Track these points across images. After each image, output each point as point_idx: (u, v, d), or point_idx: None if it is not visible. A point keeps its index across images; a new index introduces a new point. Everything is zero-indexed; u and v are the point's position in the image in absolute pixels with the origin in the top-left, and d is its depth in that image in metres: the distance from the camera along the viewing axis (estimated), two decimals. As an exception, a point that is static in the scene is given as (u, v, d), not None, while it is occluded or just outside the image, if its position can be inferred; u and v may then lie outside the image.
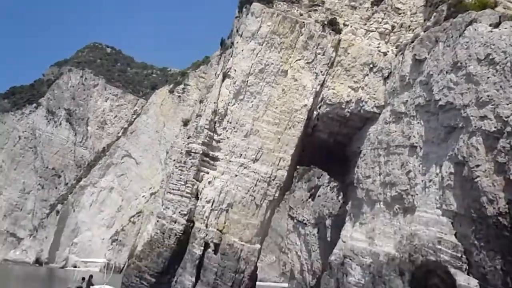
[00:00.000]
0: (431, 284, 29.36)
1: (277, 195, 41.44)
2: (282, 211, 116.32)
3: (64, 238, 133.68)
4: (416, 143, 34.02)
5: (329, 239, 61.62)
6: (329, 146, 45.66)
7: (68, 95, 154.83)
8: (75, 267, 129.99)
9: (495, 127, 26.18)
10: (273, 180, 41.21)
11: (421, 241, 30.06)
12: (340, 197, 62.89)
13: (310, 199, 71.46)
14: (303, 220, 70.56)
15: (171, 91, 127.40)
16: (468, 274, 27.46)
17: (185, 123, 44.85)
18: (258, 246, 40.95)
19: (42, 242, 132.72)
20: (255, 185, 41.08)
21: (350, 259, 37.15)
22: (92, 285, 25.47)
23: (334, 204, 63.46)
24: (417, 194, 32.82)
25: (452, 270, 27.31)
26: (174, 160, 42.55)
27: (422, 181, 32.67)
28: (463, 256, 27.90)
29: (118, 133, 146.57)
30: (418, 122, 34.29)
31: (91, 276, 26.46)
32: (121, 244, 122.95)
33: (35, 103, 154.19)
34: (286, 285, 78.15)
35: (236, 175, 41.54)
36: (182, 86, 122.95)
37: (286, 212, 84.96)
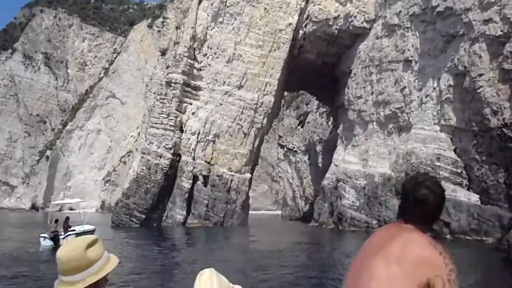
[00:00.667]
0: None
1: (265, 122, 39.05)
2: (272, 140, 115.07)
3: (57, 183, 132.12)
4: (411, 56, 31.39)
5: (320, 165, 60.24)
6: (317, 68, 42.80)
7: (44, 38, 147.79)
8: (71, 209, 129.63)
9: (501, 31, 23.57)
10: (260, 106, 38.66)
11: (418, 158, 28.19)
12: (330, 122, 60.95)
13: (299, 126, 69.44)
14: (293, 147, 68.89)
15: (150, 26, 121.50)
16: (468, 189, 25.87)
17: (163, 52, 41.43)
18: (248, 175, 39.08)
19: (36, 188, 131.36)
20: (241, 113, 38.56)
21: (344, 182, 35.49)
22: (70, 227, 23.54)
23: (324, 129, 61.56)
24: (412, 111, 30.64)
25: (451, 186, 25.64)
26: (154, 93, 39.62)
27: (418, 97, 30.39)
28: (463, 171, 26.17)
29: (100, 73, 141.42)
30: (413, 34, 31.46)
31: (67, 218, 24.45)
32: (114, 184, 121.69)
33: (10, 48, 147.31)
34: (279, 212, 78.11)
35: (220, 104, 38.89)
36: (161, 19, 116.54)
37: (276, 141, 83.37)
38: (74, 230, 22.80)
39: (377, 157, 33.62)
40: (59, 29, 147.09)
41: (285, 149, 71.95)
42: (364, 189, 33.23)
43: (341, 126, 41.88)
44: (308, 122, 67.66)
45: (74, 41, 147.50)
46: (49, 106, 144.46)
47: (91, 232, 22.08)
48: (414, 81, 30.89)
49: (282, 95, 43.75)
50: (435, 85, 28.79)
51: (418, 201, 1.95)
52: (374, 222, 30.34)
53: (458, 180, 25.70)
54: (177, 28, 40.88)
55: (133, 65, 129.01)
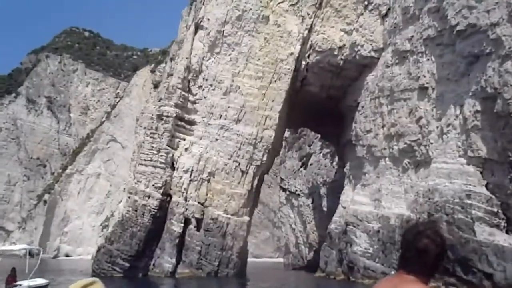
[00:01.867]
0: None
1: (264, 159, 34.76)
2: (274, 185, 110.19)
3: (54, 228, 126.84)
4: (427, 83, 27.45)
5: (325, 208, 55.50)
6: (321, 102, 38.94)
7: (48, 82, 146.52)
8: (67, 256, 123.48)
9: (537, 43, 19.71)
10: (259, 142, 34.49)
11: (443, 196, 23.66)
12: (334, 163, 56.71)
13: (302, 168, 65.00)
14: (296, 190, 64.21)
15: (152, 71, 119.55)
16: (507, 232, 21.27)
17: (156, 85, 37.85)
18: (246, 218, 34.38)
19: (32, 233, 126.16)
20: (239, 149, 34.37)
21: (354, 226, 30.77)
22: (15, 280, 19.04)
23: (328, 171, 57.22)
24: (431, 143, 26.37)
25: (488, 229, 21.06)
26: (144, 128, 35.64)
27: (438, 127, 26.21)
28: (499, 211, 21.64)
29: (102, 118, 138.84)
30: (428, 59, 27.65)
31: (13, 270, 19.97)
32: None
33: (14, 92, 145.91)
34: (281, 259, 72.39)
35: (216, 139, 34.77)
36: (163, 65, 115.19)
37: (278, 186, 78.56)
38: (19, 285, 18.23)
39: (392, 196, 29.08)
40: (64, 73, 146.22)
41: (287, 192, 67.31)
42: (378, 233, 28.47)
43: (348, 164, 37.54)
44: (311, 164, 63.36)
45: (77, 86, 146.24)
46: (50, 149, 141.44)
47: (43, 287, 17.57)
48: (432, 110, 26.81)
49: (283, 131, 39.68)
50: (458, 112, 24.68)
51: (420, 252, 1.91)
52: (392, 272, 25.47)
53: (495, 221, 21.11)
54: (171, 59, 37.47)
55: (135, 109, 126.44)
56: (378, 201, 30.14)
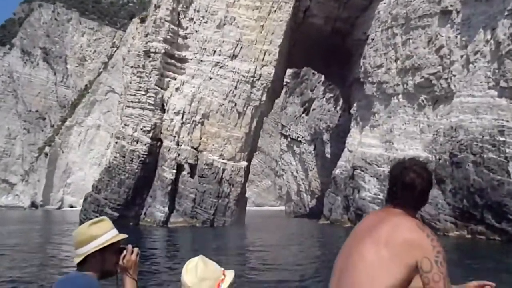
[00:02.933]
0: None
1: (263, 99, 30.96)
2: (275, 134, 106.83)
3: (56, 180, 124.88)
4: (451, 5, 23.27)
5: (328, 155, 52.31)
6: (325, 37, 34.71)
7: (42, 33, 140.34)
8: (71, 207, 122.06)
9: None
10: (258, 80, 30.59)
11: (469, 134, 20.10)
12: (338, 107, 53.00)
13: (304, 114, 61.27)
14: (298, 137, 60.83)
15: (142, 20, 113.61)
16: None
17: (142, 19, 33.48)
18: (244, 163, 31.00)
19: (35, 185, 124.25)
20: (235, 88, 30.54)
21: (362, 170, 27.42)
22: None
23: (332, 116, 53.56)
24: (454, 76, 22.53)
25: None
26: (131, 67, 31.66)
27: (462, 56, 22.28)
28: (537, 148, 18.16)
29: (99, 68, 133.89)
30: (452, -24, 23.37)
31: None
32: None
33: (8, 44, 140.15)
34: (283, 208, 70.00)
35: (210, 78, 30.89)
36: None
37: (279, 133, 75.07)
38: None
39: (405, 137, 25.53)
40: (58, 23, 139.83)
41: (289, 139, 63.95)
42: (390, 177, 25.19)
43: (355, 105, 33.80)
44: (313, 109, 59.61)
45: (73, 36, 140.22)
46: (48, 102, 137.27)
47: None
48: (456, 37, 22.77)
49: (284, 69, 35.60)
50: (488, 37, 20.71)
51: (406, 186, 1.92)
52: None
53: (535, 160, 17.69)
54: (159, -11, 32.88)
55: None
56: (390, 142, 26.61)
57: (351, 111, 34.13)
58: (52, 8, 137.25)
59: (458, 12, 22.93)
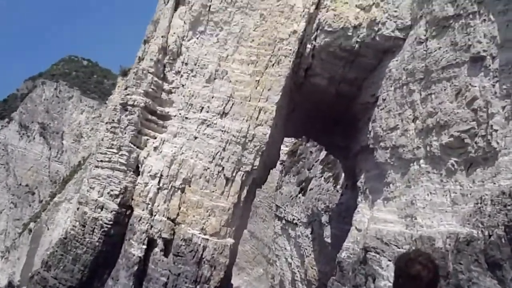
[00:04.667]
0: None
1: (256, 163, 25.51)
2: (269, 219, 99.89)
3: (37, 259, 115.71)
4: (484, 51, 18.83)
5: (327, 239, 45.91)
6: (328, 102, 30.18)
7: (42, 109, 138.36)
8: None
9: None
10: (250, 141, 25.38)
11: (529, 202, 14.60)
12: (338, 186, 47.59)
13: (300, 195, 55.59)
14: (293, 219, 54.53)
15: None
16: None
17: (124, 73, 29.10)
18: (230, 240, 24.70)
19: (15, 263, 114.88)
20: (224, 150, 25.24)
21: (377, 253, 21.35)
22: None
23: (331, 195, 47.90)
24: (496, 130, 17.50)
25: None
26: (106, 123, 26.68)
27: (504, 107, 17.45)
28: None
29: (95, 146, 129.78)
30: (485, 20, 19.18)
31: None
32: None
33: (7, 118, 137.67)
34: (275, 299, 61.70)
35: (195, 138, 25.72)
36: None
37: (273, 219, 68.53)
38: None
39: (431, 210, 19.80)
40: (59, 100, 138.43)
41: (284, 221, 57.60)
42: (415, 262, 19.17)
43: (362, 176, 28.40)
44: (310, 189, 54.06)
45: (72, 113, 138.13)
46: (40, 176, 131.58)
47: None
48: (493, 86, 18.05)
49: (282, 135, 30.55)
50: (539, 82, 15.99)
51: (412, 278, 1.88)
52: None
53: None
54: (145, 42, 28.88)
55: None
56: (411, 217, 20.83)
57: (358, 183, 28.63)
58: (55, 85, 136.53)
59: (493, 58, 18.35)
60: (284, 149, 64.50)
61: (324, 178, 51.91)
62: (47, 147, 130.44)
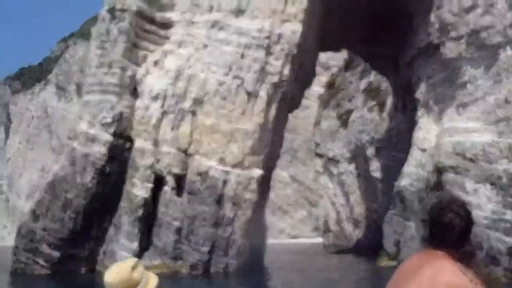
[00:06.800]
0: None
1: (286, 72, 18.94)
2: (308, 163, 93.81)
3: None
4: None
5: (374, 173, 39.83)
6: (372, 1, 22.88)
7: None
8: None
9: None
10: (277, 42, 18.75)
11: None
12: (384, 114, 40.85)
13: (341, 129, 48.99)
14: (335, 156, 48.33)
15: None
16: None
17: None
18: (257, 171, 18.61)
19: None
20: (242, 57, 18.80)
21: (458, 172, 14.76)
22: None
23: (377, 125, 41.20)
24: None
25: None
26: (93, 39, 20.74)
27: None
28: None
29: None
30: None
31: None
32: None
33: (44, 80, 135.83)
34: (320, 239, 56.38)
35: (205, 45, 19.37)
36: None
37: (313, 157, 62.10)
38: None
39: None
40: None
41: (325, 159, 51.51)
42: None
43: (422, 86, 21.45)
44: (352, 121, 47.42)
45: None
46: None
47: None
48: None
49: (317, 39, 23.47)
50: None
51: (445, 226, 1.83)
52: None
53: None
54: None
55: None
56: (507, 121, 14.11)
57: (417, 94, 21.71)
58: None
59: None
60: (320, 79, 57.36)
61: (367, 108, 44.97)
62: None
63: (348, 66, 53.19)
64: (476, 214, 13.35)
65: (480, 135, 14.77)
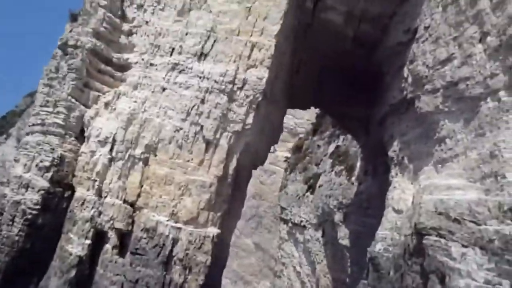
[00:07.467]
0: None
1: (249, 121, 17.18)
2: (274, 230, 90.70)
3: None
4: None
5: (342, 241, 37.54)
6: (344, 52, 22.17)
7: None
8: None
9: None
10: (241, 88, 17.21)
11: None
12: (353, 178, 39.37)
13: (308, 193, 47.19)
14: (301, 222, 46.02)
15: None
16: None
17: (74, 17, 21.06)
18: (213, 230, 16.16)
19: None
20: (202, 102, 17.08)
21: (442, 236, 12.93)
22: None
23: (345, 189, 39.54)
24: None
25: None
26: (42, 78, 18.73)
27: None
28: None
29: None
30: None
31: None
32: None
33: (5, 134, 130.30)
34: (284, 314, 52.31)
35: (163, 89, 17.62)
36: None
37: (279, 229, 59.27)
38: None
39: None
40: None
41: (290, 224, 49.08)
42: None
43: (395, 144, 20.17)
44: (320, 186, 45.77)
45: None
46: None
47: None
48: None
49: (284, 86, 22.14)
50: None
51: None
52: None
53: None
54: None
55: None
56: (494, 177, 12.61)
57: (390, 153, 20.34)
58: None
59: None
60: (287, 144, 56.28)
61: (335, 172, 43.60)
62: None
63: (316, 130, 52.52)
64: (467, 283, 11.32)
65: (465, 193, 13.16)
